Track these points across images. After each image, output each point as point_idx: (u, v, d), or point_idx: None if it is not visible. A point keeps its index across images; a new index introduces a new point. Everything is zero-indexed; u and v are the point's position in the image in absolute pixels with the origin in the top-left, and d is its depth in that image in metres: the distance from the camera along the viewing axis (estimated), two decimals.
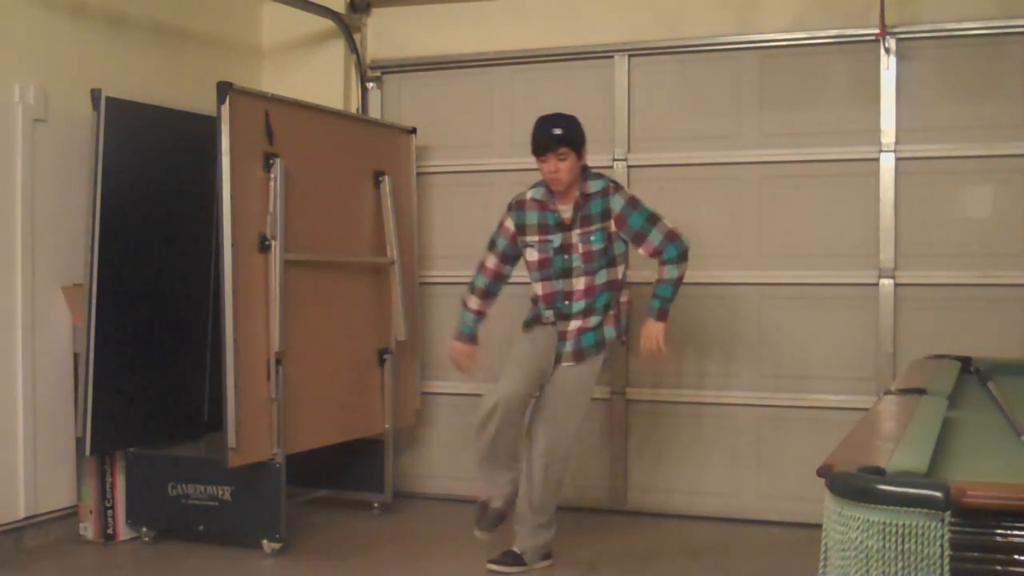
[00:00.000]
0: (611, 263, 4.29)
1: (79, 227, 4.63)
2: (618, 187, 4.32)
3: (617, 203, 4.24)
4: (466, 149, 5.76)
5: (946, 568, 1.60)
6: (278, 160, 4.57)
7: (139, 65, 5.07)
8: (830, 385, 5.12)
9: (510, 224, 4.41)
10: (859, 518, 1.65)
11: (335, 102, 5.67)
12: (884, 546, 1.62)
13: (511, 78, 5.68)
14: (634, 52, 5.43)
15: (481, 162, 5.71)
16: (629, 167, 5.42)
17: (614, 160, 5.40)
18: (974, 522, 1.63)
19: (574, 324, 4.29)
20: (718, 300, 5.31)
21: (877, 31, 4.81)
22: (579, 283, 4.28)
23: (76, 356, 4.68)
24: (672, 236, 4.25)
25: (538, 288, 4.35)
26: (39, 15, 4.65)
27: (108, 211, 4.56)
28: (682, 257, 4.26)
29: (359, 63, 5.85)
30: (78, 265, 4.63)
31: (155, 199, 4.85)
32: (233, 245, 4.40)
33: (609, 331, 4.32)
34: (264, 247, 4.55)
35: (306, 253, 4.78)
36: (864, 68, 5.07)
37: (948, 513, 1.61)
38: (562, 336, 4.30)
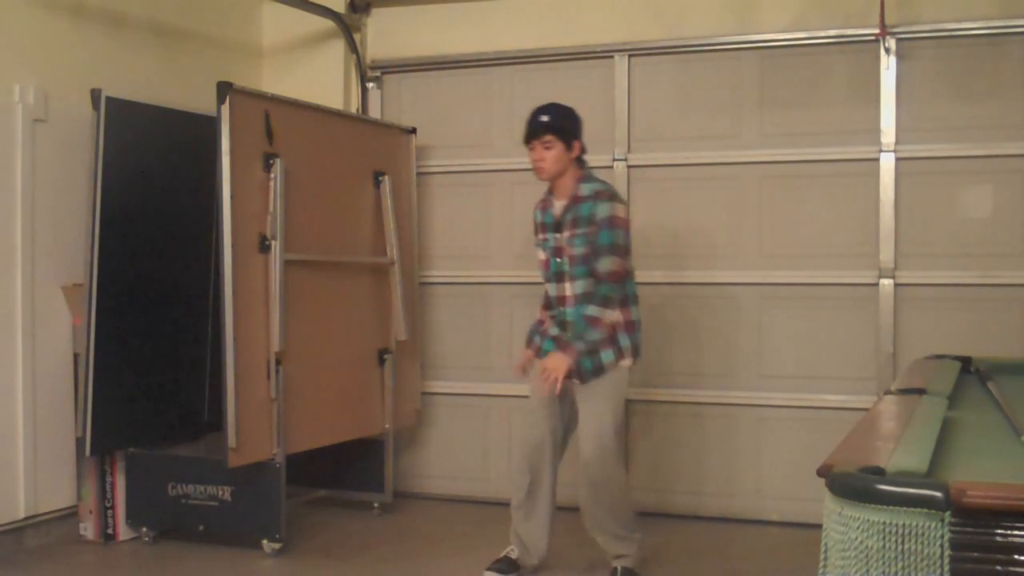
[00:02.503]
0: (592, 272, 4.05)
1: (79, 227, 4.64)
2: (611, 196, 4.08)
3: (601, 211, 4.01)
4: (466, 149, 5.76)
5: (946, 568, 1.60)
6: (278, 160, 4.57)
7: (139, 65, 5.07)
8: (830, 385, 5.12)
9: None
10: (859, 518, 1.65)
11: (335, 102, 5.67)
12: (884, 546, 1.62)
13: (511, 78, 5.68)
14: (634, 52, 5.43)
15: (481, 162, 5.71)
16: (629, 167, 5.42)
17: (614, 160, 5.40)
18: (974, 522, 1.63)
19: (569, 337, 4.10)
20: (718, 300, 5.31)
21: (877, 31, 4.81)
22: (567, 288, 4.11)
23: (76, 356, 4.68)
24: (613, 276, 4.00)
25: (548, 290, 4.23)
26: (39, 15, 4.65)
27: (108, 211, 4.56)
28: (608, 302, 3.99)
29: (359, 63, 5.85)
30: (78, 265, 4.63)
31: (155, 199, 4.85)
32: (233, 245, 4.40)
33: (607, 355, 4.03)
34: (264, 247, 4.55)
35: (306, 253, 4.78)
36: (864, 68, 5.07)
37: (948, 513, 1.61)
38: (566, 347, 4.07)
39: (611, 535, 4.16)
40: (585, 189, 4.09)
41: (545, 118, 4.08)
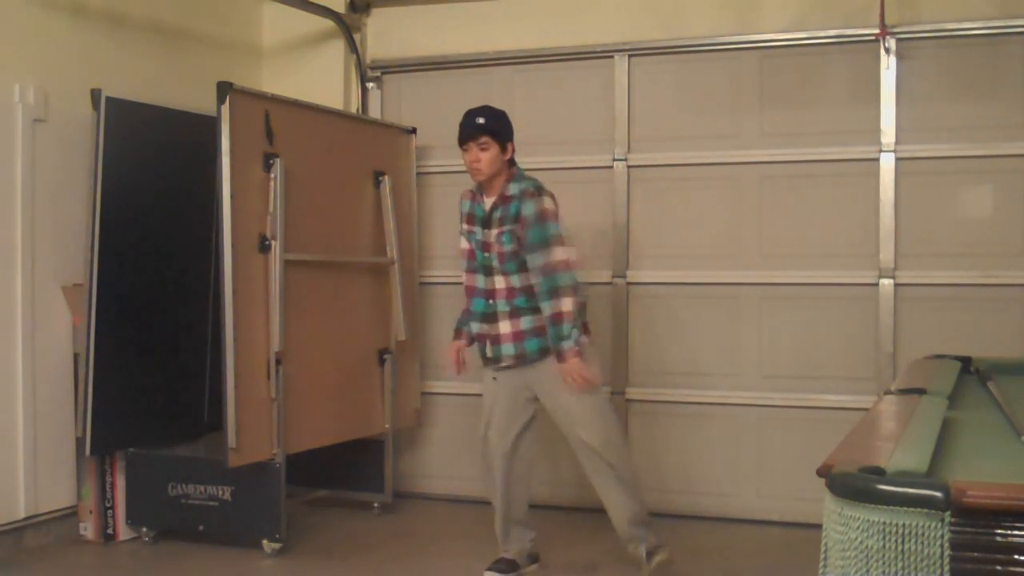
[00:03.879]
0: (524, 267, 4.09)
1: (79, 227, 4.64)
2: (537, 193, 4.08)
3: (527, 209, 4.04)
4: None
5: (946, 568, 1.60)
6: (278, 160, 4.57)
7: (139, 65, 5.07)
8: (830, 385, 5.12)
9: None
10: (859, 518, 1.64)
11: (335, 102, 5.67)
12: (884, 546, 1.62)
13: (511, 78, 5.68)
14: (634, 52, 5.43)
15: None
16: (629, 167, 5.42)
17: (614, 160, 5.40)
18: (974, 522, 1.63)
19: (504, 327, 4.13)
20: (718, 300, 5.31)
21: (877, 31, 4.81)
22: (499, 282, 4.15)
23: (76, 356, 4.68)
24: (549, 268, 3.99)
25: (464, 279, 4.29)
26: (39, 15, 4.65)
27: (108, 211, 4.56)
28: (554, 293, 3.97)
29: (359, 63, 5.85)
30: (78, 265, 4.63)
31: (155, 199, 4.85)
32: (233, 245, 4.40)
33: (544, 340, 4.08)
34: (264, 247, 4.55)
35: (306, 253, 4.78)
36: (864, 68, 5.07)
37: (948, 513, 1.60)
38: (495, 340, 4.15)
39: (641, 524, 4.19)
40: (512, 188, 4.15)
41: (481, 120, 4.12)
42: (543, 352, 4.10)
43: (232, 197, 4.40)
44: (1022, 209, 4.90)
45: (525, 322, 4.12)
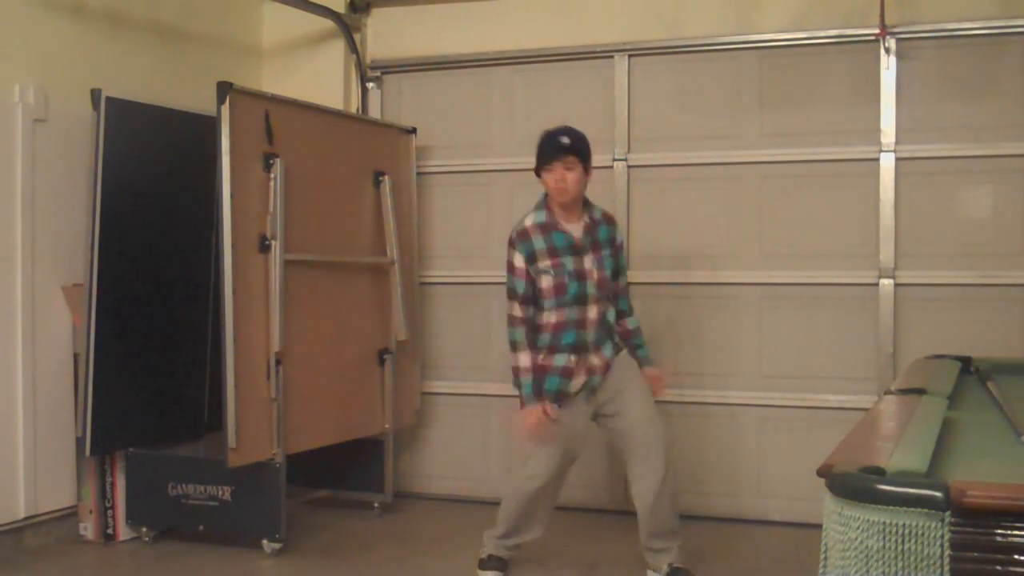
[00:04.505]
0: (607, 294, 4.17)
1: (79, 227, 4.64)
2: (615, 219, 4.31)
3: (618, 234, 4.21)
4: (466, 149, 5.76)
5: (946, 568, 1.60)
6: (278, 160, 4.57)
7: (139, 65, 5.07)
8: (830, 385, 5.12)
9: (520, 261, 4.06)
10: (859, 518, 1.65)
11: (335, 102, 5.67)
12: (884, 546, 1.62)
13: (511, 78, 5.68)
14: (634, 52, 5.43)
15: (481, 162, 5.71)
16: (629, 167, 5.42)
17: (614, 160, 5.40)
18: (974, 522, 1.63)
19: (595, 358, 4.07)
20: (718, 300, 5.31)
21: (877, 31, 4.81)
22: (592, 311, 4.05)
23: (76, 356, 4.68)
24: (626, 289, 4.31)
25: (550, 316, 4.04)
26: (39, 15, 4.65)
27: (108, 211, 4.56)
28: (633, 310, 4.33)
29: (359, 63, 5.85)
30: (78, 265, 4.63)
31: (155, 199, 4.85)
32: (233, 245, 4.40)
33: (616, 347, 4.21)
34: (264, 247, 4.55)
35: (306, 253, 4.78)
36: (864, 68, 5.07)
37: (948, 513, 1.61)
38: (590, 372, 4.05)
39: (674, 534, 4.18)
40: (597, 212, 4.17)
41: (567, 140, 4.03)
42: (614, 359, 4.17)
43: (232, 197, 4.40)
44: (1022, 209, 4.90)
45: (607, 349, 4.12)
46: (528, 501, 4.17)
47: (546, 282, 4.04)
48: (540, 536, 4.30)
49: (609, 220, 4.20)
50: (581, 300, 4.04)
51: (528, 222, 4.10)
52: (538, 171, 4.09)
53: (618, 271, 4.19)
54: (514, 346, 4.07)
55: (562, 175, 4.00)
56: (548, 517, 4.27)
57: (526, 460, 4.20)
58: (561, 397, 4.05)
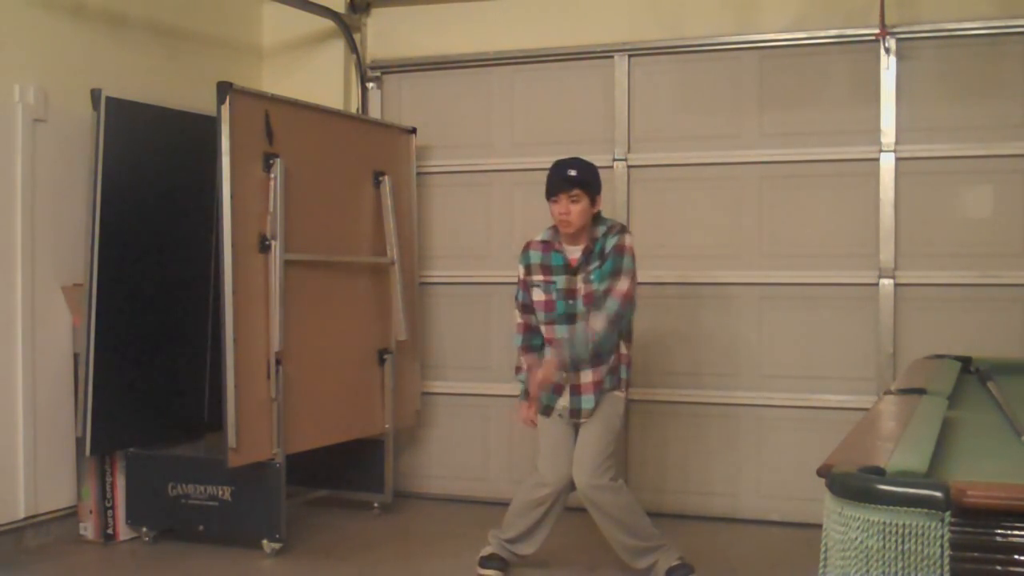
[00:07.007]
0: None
1: (79, 227, 4.64)
2: (622, 231, 4.12)
3: (610, 242, 4.07)
4: (466, 149, 5.76)
5: (946, 568, 1.60)
6: (278, 160, 4.57)
7: (139, 65, 5.07)
8: (830, 385, 5.12)
9: (521, 271, 4.24)
10: (859, 518, 1.64)
11: (335, 102, 5.67)
12: (884, 546, 1.62)
13: (511, 78, 5.68)
14: (634, 52, 5.43)
15: (481, 162, 5.71)
16: (629, 167, 5.42)
17: (614, 160, 5.40)
18: (974, 522, 1.63)
19: (586, 376, 4.10)
20: (718, 300, 5.31)
21: (877, 31, 4.81)
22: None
23: (76, 356, 4.68)
24: (616, 293, 4.00)
25: (544, 331, 4.18)
26: (39, 15, 4.65)
27: (108, 211, 4.56)
28: (610, 318, 3.98)
29: (359, 63, 5.85)
30: (78, 265, 4.63)
31: (155, 199, 4.85)
32: (233, 245, 4.40)
33: (613, 380, 4.15)
34: (264, 247, 4.55)
35: (306, 253, 4.78)
36: (864, 68, 5.07)
37: (948, 513, 1.60)
38: (575, 391, 4.11)
39: (629, 550, 4.19)
40: (599, 230, 4.13)
41: (573, 173, 4.04)
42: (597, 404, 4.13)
43: (232, 197, 4.40)
44: (1022, 209, 4.90)
45: (603, 372, 4.10)
46: (535, 507, 4.20)
47: (537, 295, 4.18)
48: (531, 554, 4.29)
49: (609, 230, 4.11)
50: (571, 319, 4.11)
51: (536, 237, 4.25)
52: (547, 198, 4.12)
53: (605, 274, 4.05)
54: (517, 348, 4.31)
55: (567, 208, 4.04)
56: (545, 535, 4.27)
57: (536, 466, 4.27)
58: (548, 411, 4.20)
